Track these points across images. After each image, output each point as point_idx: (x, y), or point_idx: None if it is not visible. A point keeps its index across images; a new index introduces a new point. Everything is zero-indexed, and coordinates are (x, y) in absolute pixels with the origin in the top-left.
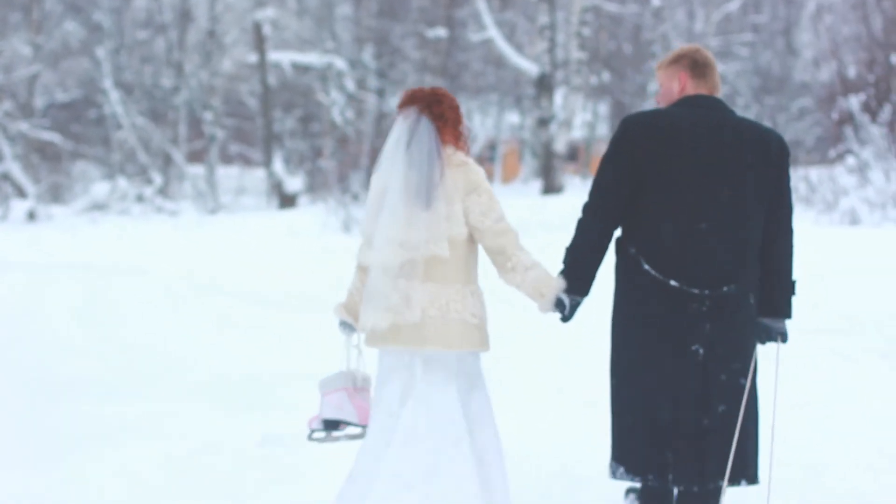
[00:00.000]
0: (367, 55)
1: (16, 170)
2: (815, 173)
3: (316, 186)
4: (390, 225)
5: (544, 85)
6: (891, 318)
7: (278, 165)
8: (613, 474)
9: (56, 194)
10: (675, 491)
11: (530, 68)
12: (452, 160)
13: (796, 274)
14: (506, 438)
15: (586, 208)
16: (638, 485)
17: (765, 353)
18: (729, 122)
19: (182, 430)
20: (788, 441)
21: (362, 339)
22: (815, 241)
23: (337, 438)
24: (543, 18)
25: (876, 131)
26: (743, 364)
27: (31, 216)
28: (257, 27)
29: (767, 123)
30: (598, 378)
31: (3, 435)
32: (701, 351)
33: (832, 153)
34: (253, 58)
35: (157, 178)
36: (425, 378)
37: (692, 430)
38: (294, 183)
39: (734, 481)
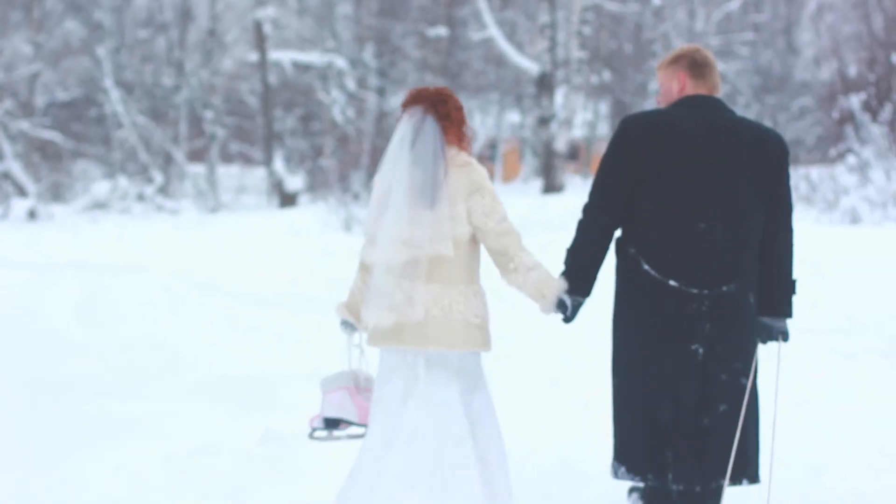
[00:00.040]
0: (368, 54)
1: (16, 169)
2: (815, 172)
3: (316, 185)
4: (394, 224)
5: (545, 84)
6: (891, 318)
7: (279, 164)
8: (615, 474)
9: (57, 193)
10: (675, 490)
11: (531, 67)
12: (456, 160)
13: (797, 273)
14: (507, 437)
15: (586, 209)
16: (641, 484)
17: (766, 352)
18: (728, 121)
19: (182, 429)
20: (789, 440)
21: (364, 339)
22: (815, 240)
23: (338, 438)
24: (544, 17)
25: (876, 130)
26: (743, 363)
27: (32, 215)
28: (258, 26)
29: (768, 122)
30: (600, 378)
31: (2, 434)
32: (701, 350)
33: (833, 152)
34: (253, 57)
35: (158, 177)
36: (428, 378)
37: (692, 430)
38: (295, 182)
39: (735, 481)
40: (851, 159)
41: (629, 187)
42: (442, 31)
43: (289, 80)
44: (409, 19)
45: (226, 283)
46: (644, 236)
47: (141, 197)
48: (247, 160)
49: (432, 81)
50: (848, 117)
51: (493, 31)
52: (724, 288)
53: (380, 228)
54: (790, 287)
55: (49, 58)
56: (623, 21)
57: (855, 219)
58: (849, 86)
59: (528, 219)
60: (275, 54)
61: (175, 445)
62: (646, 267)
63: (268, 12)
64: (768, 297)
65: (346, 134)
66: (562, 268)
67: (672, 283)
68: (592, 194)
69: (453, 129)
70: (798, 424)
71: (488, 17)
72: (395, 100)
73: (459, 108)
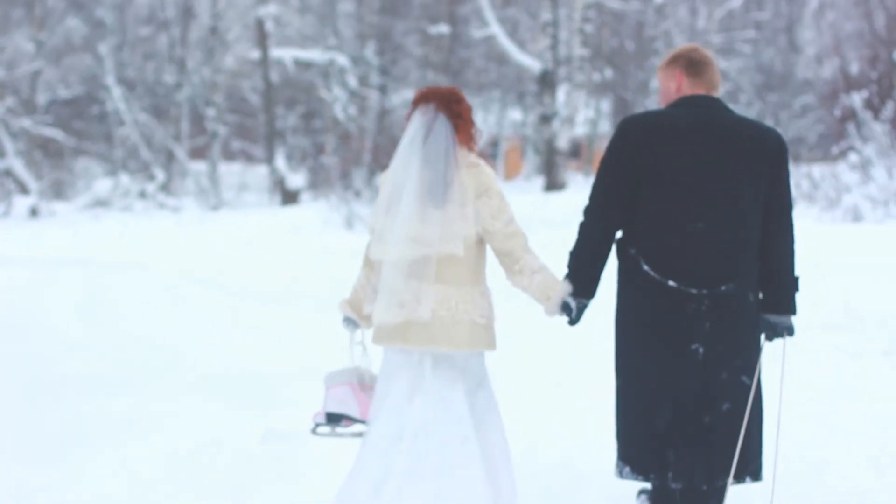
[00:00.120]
0: (370, 52)
1: (18, 166)
2: (817, 170)
3: (318, 183)
4: (404, 222)
5: (547, 82)
6: (893, 316)
7: (280, 162)
8: (620, 473)
9: (58, 191)
10: (676, 489)
11: (533, 65)
12: (465, 161)
13: (798, 270)
14: (511, 437)
15: (587, 211)
16: (649, 486)
17: (770, 349)
18: (726, 121)
19: (182, 427)
20: (791, 438)
21: (366, 336)
22: (817, 239)
23: (341, 434)
24: (546, 15)
25: (878, 128)
26: (745, 362)
27: (34, 213)
28: (259, 24)
29: (770, 120)
30: (604, 380)
31: (2, 432)
32: (701, 350)
33: (835, 150)
34: (255, 54)
35: (160, 175)
36: (434, 376)
37: (693, 429)
38: (296, 179)
39: (738, 478)
40: (853, 157)
41: (629, 188)
42: (444, 28)
43: (290, 77)
44: (411, 17)
45: (227, 281)
46: (643, 237)
47: (142, 194)
48: (248, 158)
49: (434, 79)
50: (850, 115)
51: (495, 29)
52: (724, 287)
53: (389, 226)
54: (792, 284)
55: (51, 55)
56: (625, 19)
57: (857, 217)
58: (850, 83)
59: (529, 216)
60: (276, 52)
61: (175, 444)
62: (645, 267)
63: (269, 10)
64: (771, 294)
65: (348, 131)
66: (565, 270)
67: (671, 283)
68: (592, 196)
69: (464, 129)
70: (800, 422)
71: (490, 15)
72: (397, 97)
73: (469, 110)
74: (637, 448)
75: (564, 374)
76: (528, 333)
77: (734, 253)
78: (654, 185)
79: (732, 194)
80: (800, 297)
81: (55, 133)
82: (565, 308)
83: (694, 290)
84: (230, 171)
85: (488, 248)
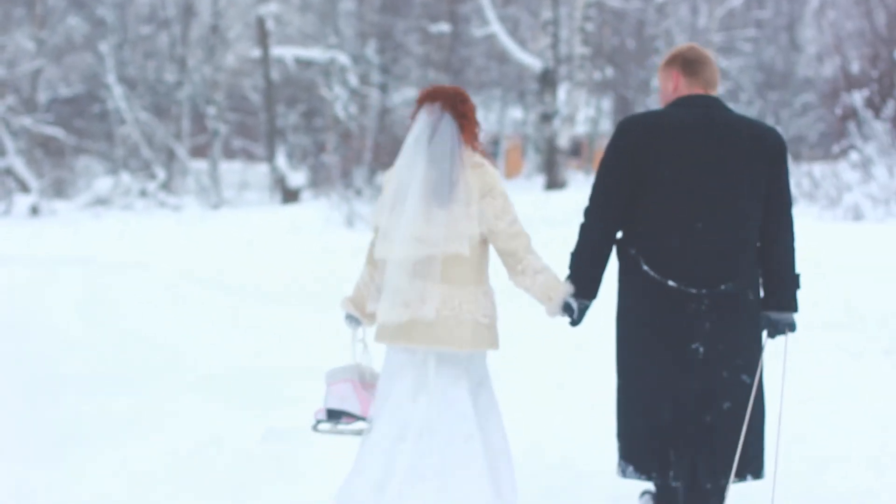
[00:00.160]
0: (371, 50)
1: (19, 165)
2: (818, 169)
3: (319, 181)
4: (409, 221)
5: (547, 80)
6: (894, 315)
7: (281, 160)
8: (623, 473)
9: (59, 189)
10: (676, 487)
11: (533, 63)
12: (470, 160)
13: (799, 269)
14: (513, 436)
15: (587, 212)
16: (652, 488)
17: (771, 346)
18: (725, 120)
19: (183, 426)
20: (792, 436)
21: (367, 334)
22: (818, 237)
23: (342, 432)
24: (546, 14)
25: (879, 127)
26: (745, 360)
27: (35, 211)
28: (260, 22)
29: (771, 119)
30: (604, 379)
31: (2, 431)
32: (701, 349)
33: (835, 149)
34: (256, 53)
35: (161, 173)
36: (437, 375)
37: (694, 429)
38: (297, 178)
39: (740, 476)
40: (854, 156)
41: (629, 189)
42: (444, 27)
43: (291, 76)
44: (412, 15)
45: (227, 280)
46: (643, 237)
47: (143, 193)
48: (249, 156)
49: (435, 77)
50: (850, 114)
51: (496, 28)
52: (723, 287)
53: (394, 225)
54: (793, 281)
55: (52, 54)
56: (626, 17)
57: (858, 215)
58: (851, 82)
59: (530, 215)
60: (277, 50)
61: (176, 443)
62: (645, 267)
63: (270, 8)
64: (772, 292)
65: (349, 130)
66: (567, 271)
67: (671, 283)
68: (593, 197)
69: (469, 129)
70: (801, 421)
71: (491, 14)
72: (398, 96)
73: (474, 109)
74: (639, 447)
75: (566, 374)
76: (530, 334)
77: (734, 252)
78: (653, 185)
79: (732, 193)
80: (800, 296)
81: (56, 131)
82: (567, 309)
83: (693, 290)
84: (231, 170)
85: (491, 248)
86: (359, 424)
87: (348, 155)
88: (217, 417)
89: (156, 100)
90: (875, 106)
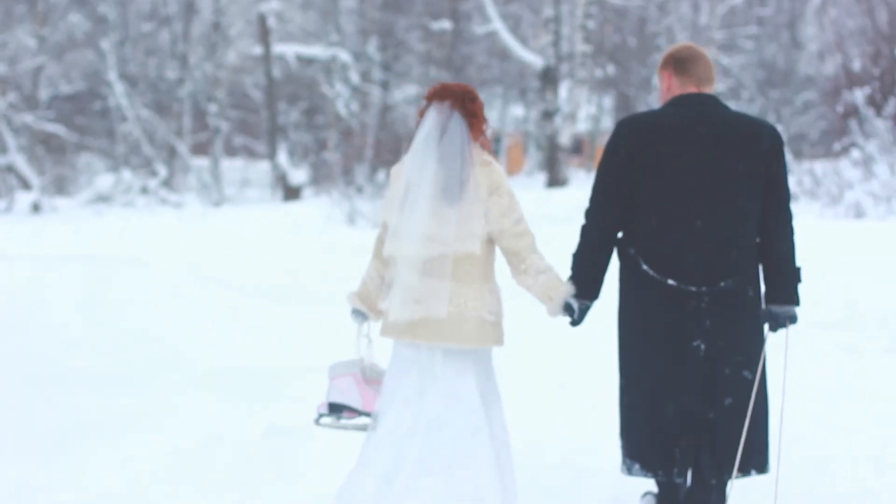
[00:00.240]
0: (372, 47)
1: (20, 162)
2: (819, 167)
3: (320, 179)
4: (419, 220)
5: (549, 78)
6: (895, 313)
7: (283, 158)
8: (629, 471)
9: (60, 186)
10: (681, 483)
11: (535, 61)
12: (479, 159)
13: (800, 262)
14: (514, 435)
15: (587, 213)
16: (654, 488)
17: (773, 341)
18: (720, 117)
19: (184, 423)
20: (793, 435)
21: (372, 329)
22: (819, 236)
23: (344, 426)
24: (548, 11)
25: (881, 124)
26: (747, 357)
27: (36, 208)
28: (262, 19)
29: (772, 117)
30: (605, 379)
31: (3, 428)
32: (702, 346)
33: (837, 146)
34: (257, 50)
35: (162, 171)
36: (445, 370)
37: (697, 425)
38: (298, 175)
39: (744, 471)
40: (855, 153)
41: (628, 188)
42: (446, 24)
43: (292, 73)
44: (413, 13)
45: (229, 277)
46: (642, 236)
47: (144, 190)
48: (250, 153)
49: (436, 75)
50: (852, 111)
51: (498, 25)
52: (723, 284)
53: (403, 223)
54: (794, 275)
55: (53, 51)
56: (627, 15)
57: (859, 213)
58: (853, 80)
59: (531, 213)
60: (278, 48)
61: (176, 441)
62: (645, 267)
63: (272, 5)
64: (773, 286)
65: (350, 127)
66: (568, 271)
67: (671, 282)
68: (592, 198)
69: (478, 127)
70: (802, 420)
71: (492, 11)
72: (399, 93)
73: (483, 107)
74: (644, 445)
75: (567, 374)
76: (532, 333)
77: (733, 249)
78: (650, 184)
79: (730, 191)
80: (801, 295)
81: (57, 129)
82: (568, 309)
83: (693, 288)
84: (232, 167)
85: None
86: (361, 420)
87: (350, 152)
88: (218, 415)
89: (157, 97)
90: (876, 103)
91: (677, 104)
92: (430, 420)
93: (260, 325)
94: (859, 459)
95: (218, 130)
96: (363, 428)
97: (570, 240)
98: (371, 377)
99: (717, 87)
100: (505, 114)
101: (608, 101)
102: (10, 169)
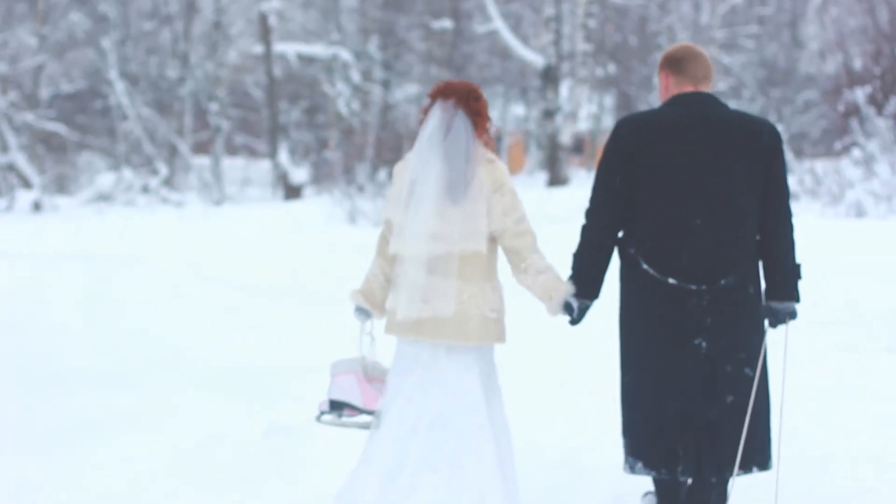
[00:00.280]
0: (373, 46)
1: (21, 160)
2: (820, 166)
3: (321, 178)
4: (424, 218)
5: (550, 77)
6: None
7: (284, 156)
8: (632, 469)
9: (61, 185)
10: (685, 482)
11: (536, 60)
12: (483, 157)
13: (801, 261)
14: (514, 433)
15: (588, 213)
16: (654, 488)
17: (773, 340)
18: (718, 116)
19: (184, 422)
20: (793, 434)
21: (375, 327)
22: (820, 235)
23: (346, 424)
24: (549, 10)
25: (882, 124)
26: (748, 354)
27: (37, 207)
28: (263, 18)
29: (773, 116)
30: (605, 378)
31: (3, 427)
32: (704, 344)
33: (838, 145)
34: (258, 49)
35: (163, 169)
36: (449, 366)
37: (700, 423)
38: (299, 174)
39: (746, 468)
40: (856, 152)
41: (628, 188)
42: (447, 23)
43: (294, 72)
44: (414, 11)
45: (229, 276)
46: (642, 236)
47: (145, 189)
48: (252, 152)
49: (437, 74)
50: (853, 110)
51: (498, 24)
52: (723, 282)
53: (408, 221)
54: (794, 271)
55: (54, 50)
56: (628, 14)
57: (860, 212)
58: (854, 79)
59: (532, 212)
60: (280, 46)
61: (177, 440)
62: (645, 266)
63: (273, 4)
64: (773, 282)
65: (351, 126)
66: (569, 270)
67: (671, 280)
68: (592, 199)
69: (482, 126)
70: (802, 419)
71: (493, 10)
72: (400, 92)
73: (487, 105)
74: (646, 444)
75: (567, 372)
76: (532, 332)
77: (732, 247)
78: (650, 184)
79: (729, 189)
80: (801, 295)
81: (58, 127)
82: (567, 308)
83: (694, 287)
84: (233, 166)
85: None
86: (363, 418)
87: (350, 151)
88: (218, 414)
89: (158, 96)
90: (877, 103)
91: (675, 103)
92: (433, 417)
93: (260, 324)
94: (859, 459)
95: (219, 129)
96: (365, 426)
97: (571, 239)
98: (373, 375)
99: (719, 86)
100: (506, 113)
101: (609, 101)
102: (11, 168)
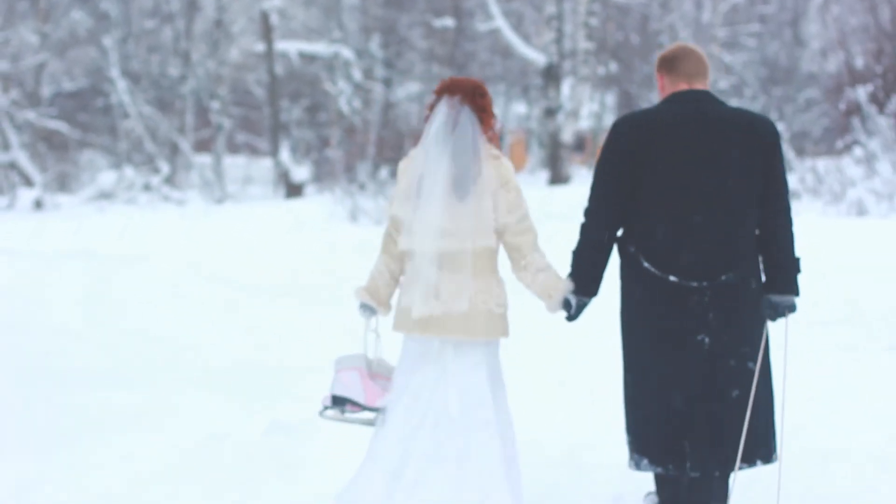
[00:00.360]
0: (374, 44)
1: (23, 158)
2: (822, 164)
3: (322, 176)
4: (433, 214)
5: (551, 75)
6: None
7: (285, 155)
8: (637, 466)
9: (63, 183)
10: (693, 477)
11: (537, 58)
12: (488, 153)
13: (802, 266)
14: (515, 430)
15: (587, 212)
16: (655, 488)
17: (774, 336)
18: (716, 113)
19: (185, 421)
20: (794, 433)
21: (380, 323)
22: (821, 234)
23: (348, 420)
24: (551, 8)
25: (883, 122)
26: (751, 348)
27: (38, 205)
28: (264, 16)
29: (774, 114)
30: (606, 376)
31: (3, 425)
32: (707, 340)
33: (839, 144)
34: (260, 47)
35: (164, 168)
36: (456, 363)
37: (705, 418)
38: (301, 172)
39: (750, 462)
40: (858, 151)
41: (627, 186)
42: (448, 21)
43: (295, 70)
44: (416, 10)
45: (230, 275)
46: (642, 234)
47: (147, 187)
48: (253, 151)
49: (439, 72)
50: (854, 109)
51: (500, 22)
52: (724, 277)
53: (417, 218)
54: (793, 265)
55: (55, 48)
56: (630, 12)
57: (861, 211)
58: (855, 77)
59: (534, 210)
60: (281, 45)
61: (177, 438)
62: (646, 264)
63: (274, 2)
64: (772, 275)
65: (353, 124)
66: (568, 269)
67: (672, 278)
68: (591, 197)
69: (487, 122)
70: (803, 418)
71: (495, 8)
72: (402, 91)
73: (492, 102)
74: (651, 440)
75: (567, 370)
76: (532, 330)
77: (732, 243)
78: (649, 182)
79: (727, 185)
80: (801, 294)
81: (60, 125)
82: (565, 304)
83: (695, 283)
84: (235, 164)
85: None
86: (365, 414)
87: (352, 149)
88: (218, 414)
89: (159, 94)
90: (879, 101)
91: (672, 101)
92: (439, 413)
93: (261, 323)
94: (860, 458)
95: (220, 127)
96: (368, 422)
97: (572, 237)
98: (378, 372)
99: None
100: (507, 111)
101: (611, 99)
102: (13, 166)
